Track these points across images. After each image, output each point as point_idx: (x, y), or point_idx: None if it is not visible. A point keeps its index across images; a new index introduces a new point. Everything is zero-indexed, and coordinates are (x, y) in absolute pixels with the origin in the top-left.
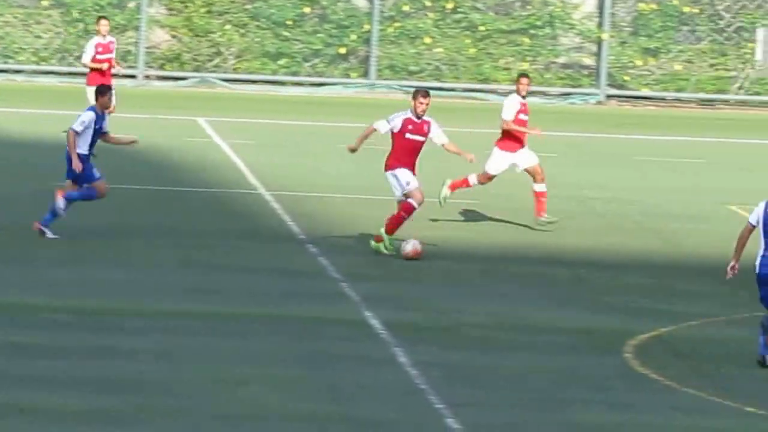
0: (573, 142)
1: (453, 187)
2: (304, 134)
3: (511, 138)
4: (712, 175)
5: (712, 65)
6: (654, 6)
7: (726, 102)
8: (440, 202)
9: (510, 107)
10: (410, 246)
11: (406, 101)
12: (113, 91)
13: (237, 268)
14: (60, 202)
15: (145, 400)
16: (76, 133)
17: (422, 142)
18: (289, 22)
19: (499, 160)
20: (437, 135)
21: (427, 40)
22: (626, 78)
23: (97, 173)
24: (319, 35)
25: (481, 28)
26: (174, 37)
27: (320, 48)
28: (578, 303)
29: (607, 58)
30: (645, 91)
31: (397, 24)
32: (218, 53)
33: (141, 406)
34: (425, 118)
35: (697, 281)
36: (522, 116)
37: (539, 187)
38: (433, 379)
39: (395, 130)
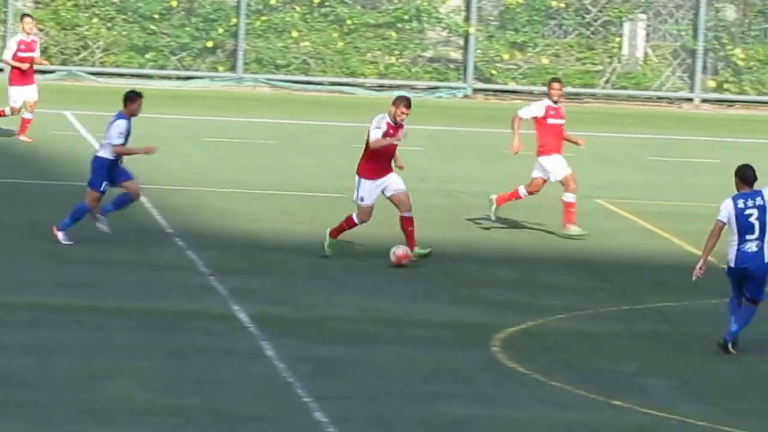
0: (440, 135)
1: (569, 221)
2: (171, 128)
3: (545, 143)
4: (579, 168)
5: (579, 59)
6: (521, 0)
7: (593, 96)
8: (578, 236)
9: (530, 107)
10: (401, 251)
11: (273, 95)
12: (141, 99)
13: (104, 261)
14: (100, 225)
15: (12, 393)
16: (120, 145)
17: (397, 145)
18: (156, 16)
19: (557, 164)
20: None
21: (295, 33)
22: (493, 72)
23: (102, 187)
24: (186, 29)
25: (348, 22)
26: (41, 30)
27: (187, 41)
28: (446, 296)
29: (474, 52)
30: (512, 85)
31: (264, 18)
32: (85, 47)
33: (7, 400)
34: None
35: (564, 275)
36: (552, 120)
37: (521, 191)
38: (301, 373)
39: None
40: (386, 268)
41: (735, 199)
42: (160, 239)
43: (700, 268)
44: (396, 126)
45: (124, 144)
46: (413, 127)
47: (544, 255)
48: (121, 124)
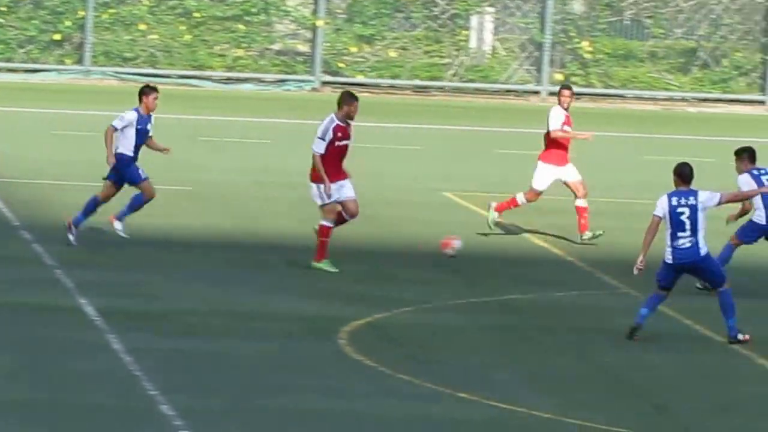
0: (287, 128)
1: (500, 209)
2: (18, 121)
3: (555, 150)
4: (427, 161)
5: (426, 52)
6: None
7: (441, 89)
8: (489, 227)
9: (556, 118)
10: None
11: (121, 87)
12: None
13: None
14: (117, 225)
15: None
16: (115, 130)
17: (348, 145)
18: (3, 9)
19: (545, 175)
20: None
21: (142, 26)
22: (341, 65)
23: (143, 174)
24: (33, 21)
25: (196, 14)
26: None
27: (35, 34)
28: (293, 289)
29: (322, 45)
30: (360, 78)
31: (111, 10)
32: None
33: None
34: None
35: (411, 267)
36: (565, 128)
37: (580, 203)
38: (147, 366)
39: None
40: (233, 261)
41: (670, 196)
42: (6, 232)
43: (641, 262)
44: (345, 125)
45: (138, 140)
46: (260, 120)
47: (391, 247)
48: (128, 113)
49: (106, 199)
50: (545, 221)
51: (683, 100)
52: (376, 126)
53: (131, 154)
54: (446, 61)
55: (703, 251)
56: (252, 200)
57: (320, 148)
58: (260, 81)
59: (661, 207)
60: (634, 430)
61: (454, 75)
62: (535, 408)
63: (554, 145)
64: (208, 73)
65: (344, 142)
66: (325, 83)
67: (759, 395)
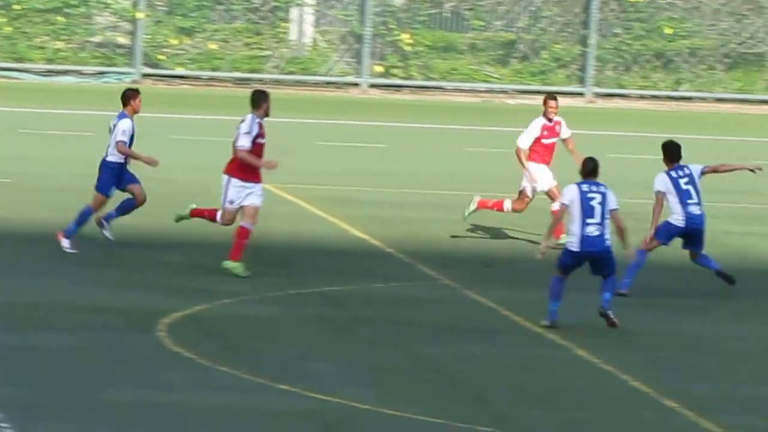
0: (108, 121)
1: (557, 232)
2: None
3: (534, 155)
4: None
5: (247, 44)
6: None
7: (261, 81)
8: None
9: (528, 133)
10: None
11: None
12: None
13: None
14: (64, 243)
15: None
16: (126, 143)
17: (265, 143)
18: None
19: (543, 174)
20: None
21: None
22: (161, 57)
23: (110, 191)
24: None
25: (16, 6)
26: None
27: None
28: (111, 281)
29: (142, 37)
30: (180, 70)
31: None
32: None
33: None
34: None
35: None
36: (546, 140)
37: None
38: None
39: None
40: (52, 253)
41: (579, 184)
42: None
43: (545, 248)
44: (262, 121)
45: (129, 145)
46: (80, 112)
47: (209, 239)
48: (125, 122)
49: (142, 200)
50: (366, 212)
51: (503, 92)
52: (197, 118)
53: (122, 161)
54: (267, 53)
55: (608, 242)
56: (72, 193)
57: (247, 142)
58: (80, 73)
59: (569, 195)
60: (452, 420)
61: (274, 67)
62: (354, 399)
63: (535, 151)
64: (28, 65)
65: (263, 140)
66: (145, 75)
67: (577, 385)
